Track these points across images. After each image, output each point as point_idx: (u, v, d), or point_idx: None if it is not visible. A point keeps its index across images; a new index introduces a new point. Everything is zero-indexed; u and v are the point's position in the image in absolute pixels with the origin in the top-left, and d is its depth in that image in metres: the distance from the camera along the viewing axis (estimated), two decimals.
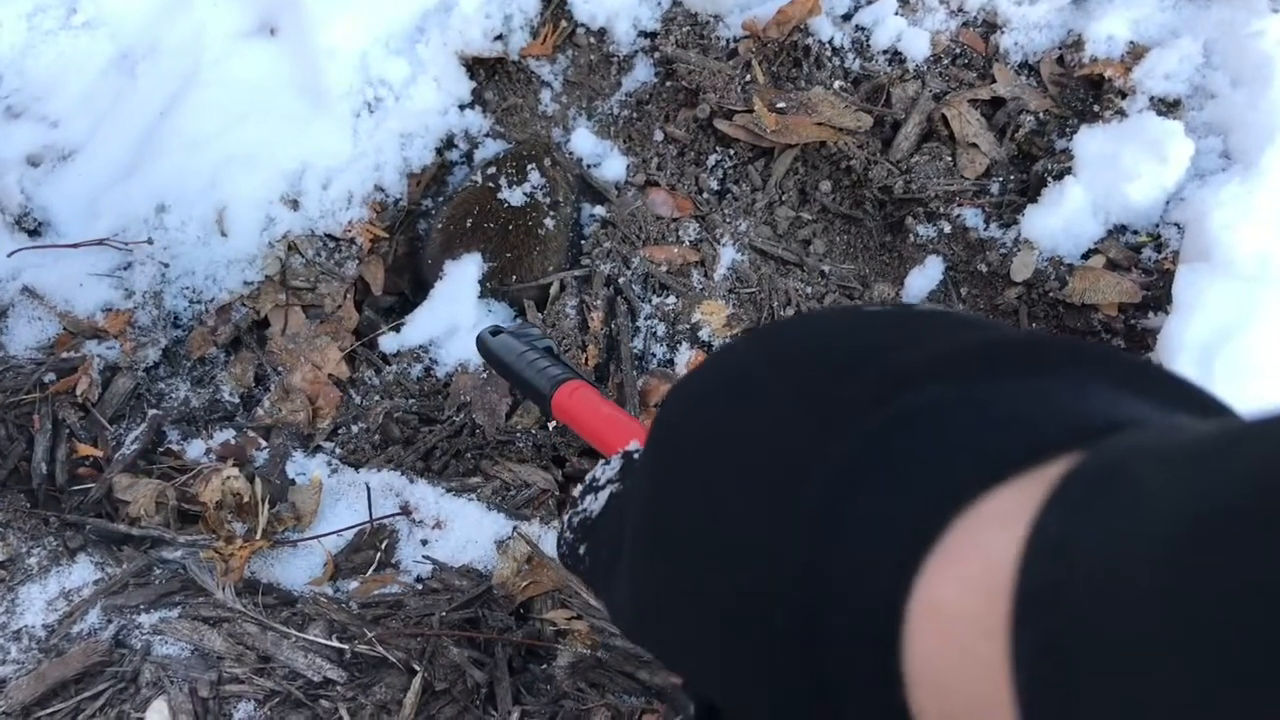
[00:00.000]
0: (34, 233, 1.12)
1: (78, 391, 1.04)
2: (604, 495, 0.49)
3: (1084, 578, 0.21)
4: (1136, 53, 1.13)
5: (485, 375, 1.09)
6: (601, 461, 0.55)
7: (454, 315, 1.13)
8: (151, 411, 1.06)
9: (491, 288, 1.14)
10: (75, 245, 1.09)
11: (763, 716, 0.35)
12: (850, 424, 0.29)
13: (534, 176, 1.15)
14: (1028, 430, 0.27)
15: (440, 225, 1.17)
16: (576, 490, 0.49)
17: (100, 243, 1.09)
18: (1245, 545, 0.19)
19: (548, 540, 0.97)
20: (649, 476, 0.38)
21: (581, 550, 0.52)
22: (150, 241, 1.10)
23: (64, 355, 1.06)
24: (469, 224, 1.15)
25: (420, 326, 1.14)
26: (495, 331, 1.02)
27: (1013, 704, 0.22)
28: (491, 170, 1.17)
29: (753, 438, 0.33)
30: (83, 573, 0.94)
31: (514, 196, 1.14)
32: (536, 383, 0.88)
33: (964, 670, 0.25)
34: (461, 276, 1.14)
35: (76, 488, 1.02)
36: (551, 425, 1.05)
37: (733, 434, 0.34)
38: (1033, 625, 0.22)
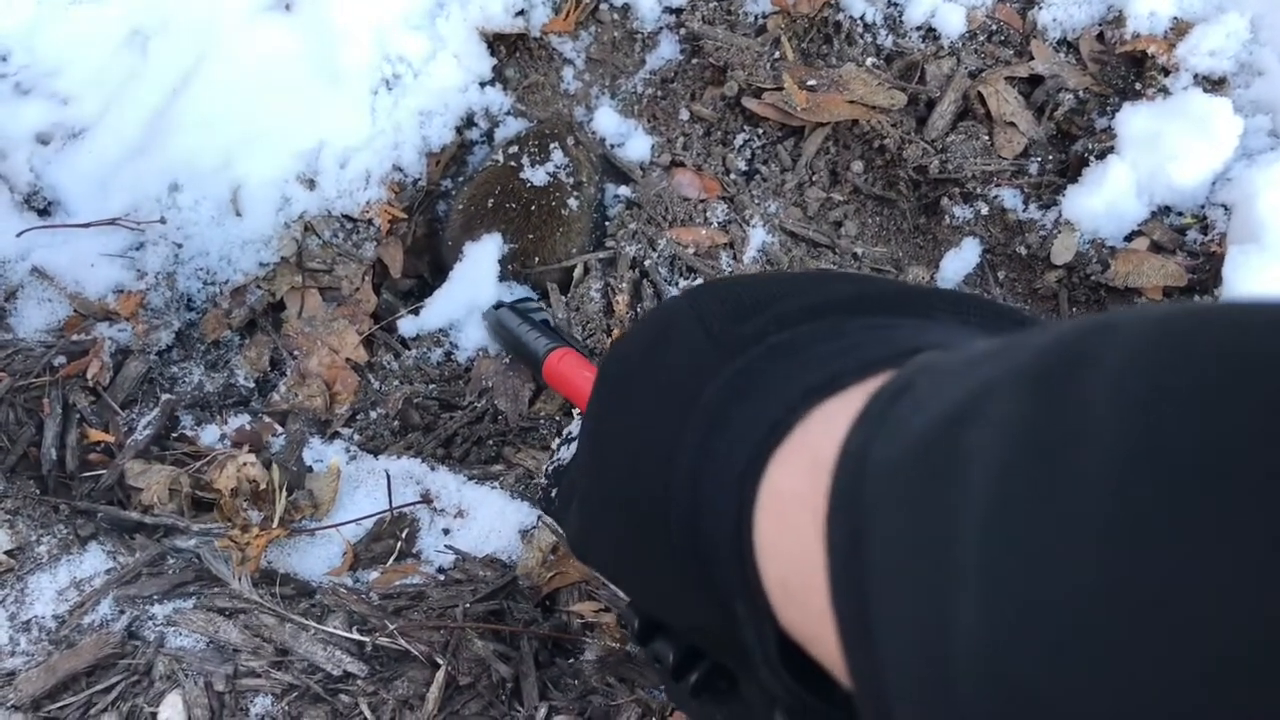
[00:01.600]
0: (44, 212, 1.09)
1: (88, 375, 1.01)
2: (574, 446, 0.56)
3: (869, 480, 0.27)
4: (1180, 29, 1.09)
5: (508, 360, 1.06)
6: (578, 415, 0.61)
7: (474, 298, 1.10)
8: (164, 396, 1.03)
9: (513, 270, 1.11)
10: (86, 225, 1.06)
11: (678, 613, 0.42)
12: (740, 354, 0.36)
13: (557, 156, 1.12)
14: (863, 354, 0.33)
15: (460, 206, 1.14)
16: (554, 443, 0.55)
17: (112, 222, 1.06)
18: (946, 456, 0.24)
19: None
20: (590, 413, 0.44)
21: (553, 494, 0.61)
22: (163, 221, 1.07)
23: (74, 338, 1.03)
24: (490, 204, 1.11)
25: (439, 310, 1.11)
26: (498, 306, 1.03)
27: (826, 572, 0.27)
28: (513, 149, 1.13)
29: (670, 367, 0.39)
30: (94, 561, 0.91)
31: (536, 176, 1.11)
32: (532, 350, 0.97)
33: (791, 540, 0.31)
34: (481, 258, 1.11)
35: (87, 474, 0.98)
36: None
37: (655, 365, 0.40)
38: (839, 521, 0.27)
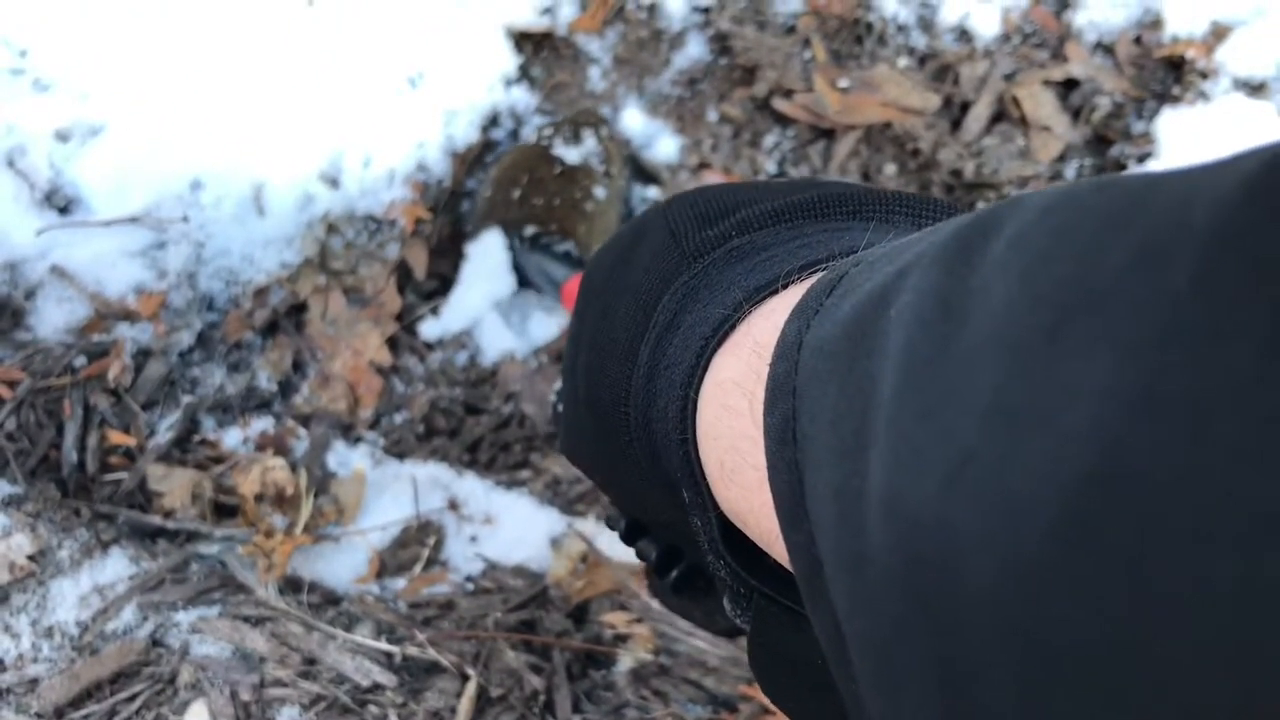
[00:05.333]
0: (64, 210, 1.07)
1: (110, 376, 0.99)
2: None
3: (802, 362, 0.28)
4: (1219, 32, 1.08)
5: (535, 365, 1.04)
6: None
7: (490, 292, 1.08)
8: (186, 398, 1.01)
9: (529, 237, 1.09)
10: (107, 223, 1.04)
11: (647, 509, 0.45)
12: (701, 257, 0.38)
13: (590, 142, 1.10)
14: (811, 253, 0.35)
15: (487, 194, 1.11)
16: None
17: (133, 220, 1.04)
18: (870, 329, 0.26)
19: (604, 538, 0.92)
20: (572, 318, 0.46)
21: (559, 408, 0.60)
22: (185, 219, 1.05)
23: (95, 338, 1.01)
24: (516, 194, 1.09)
25: (458, 310, 1.09)
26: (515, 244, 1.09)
27: (764, 452, 0.29)
28: (547, 130, 1.11)
29: (638, 271, 0.41)
30: (116, 567, 0.90)
31: (569, 155, 1.09)
32: (554, 278, 1.03)
33: (729, 423, 0.33)
34: (488, 254, 1.09)
35: (108, 477, 0.97)
36: None
37: (626, 269, 0.42)
38: (775, 402, 0.29)
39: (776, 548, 0.32)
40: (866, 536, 0.23)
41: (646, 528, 0.47)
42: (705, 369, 0.35)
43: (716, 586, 0.41)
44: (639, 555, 0.47)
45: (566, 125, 1.12)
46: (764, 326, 0.33)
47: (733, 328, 0.35)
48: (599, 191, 1.09)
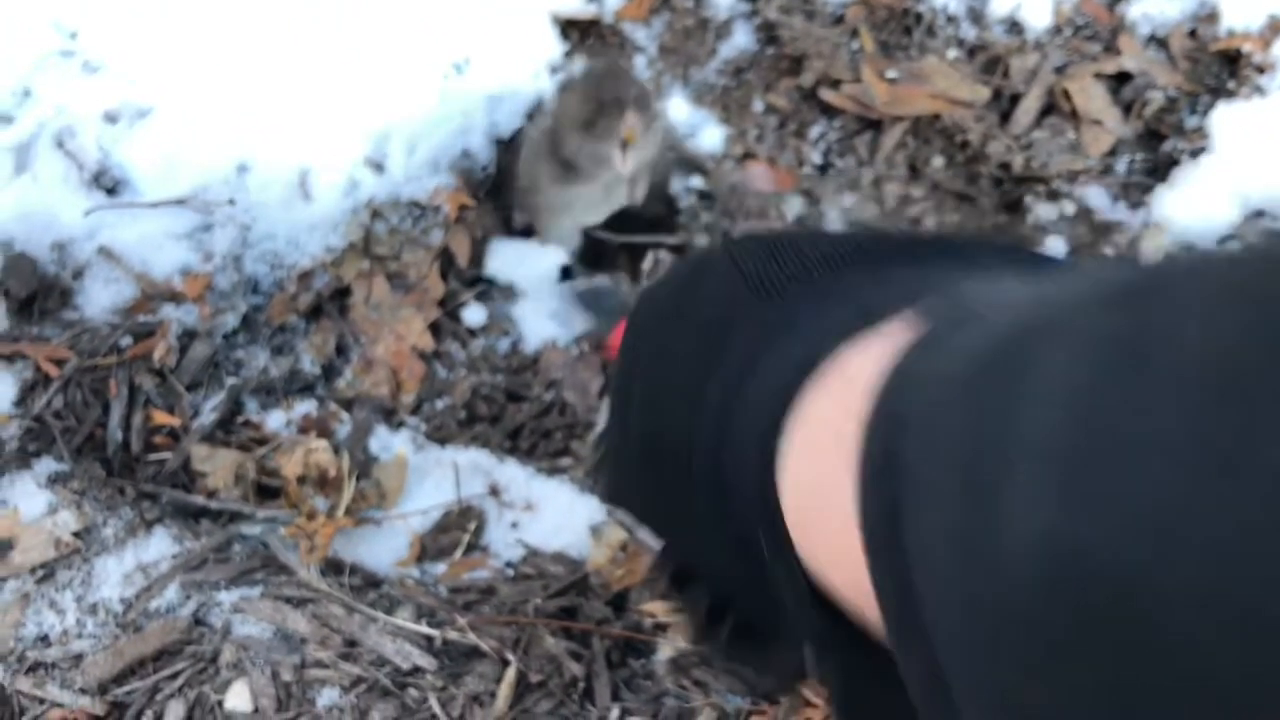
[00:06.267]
0: (111, 191, 1.08)
1: (155, 357, 1.00)
2: None
3: (908, 392, 0.27)
4: (1276, 26, 1.06)
5: (577, 353, 1.04)
6: None
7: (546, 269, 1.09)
8: (230, 380, 1.02)
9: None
10: (154, 205, 1.05)
11: (702, 554, 0.42)
12: (777, 295, 0.37)
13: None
14: (900, 290, 0.33)
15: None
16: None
17: (180, 203, 1.05)
18: (1007, 364, 0.24)
19: (644, 527, 0.92)
20: (621, 358, 0.45)
21: (598, 447, 0.61)
22: (232, 202, 1.05)
23: (141, 319, 1.02)
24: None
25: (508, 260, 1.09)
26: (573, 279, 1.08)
27: (854, 484, 0.28)
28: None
29: (702, 308, 0.40)
30: (160, 545, 0.90)
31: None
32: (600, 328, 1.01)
33: (814, 460, 0.31)
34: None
35: (152, 457, 0.97)
36: None
37: (687, 307, 0.41)
38: (874, 436, 0.28)
39: (850, 594, 0.31)
40: (1000, 578, 0.22)
41: (694, 576, 0.45)
42: (790, 408, 0.33)
43: (768, 639, 0.40)
44: (687, 604, 0.45)
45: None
46: (858, 362, 0.31)
47: (818, 363, 0.33)
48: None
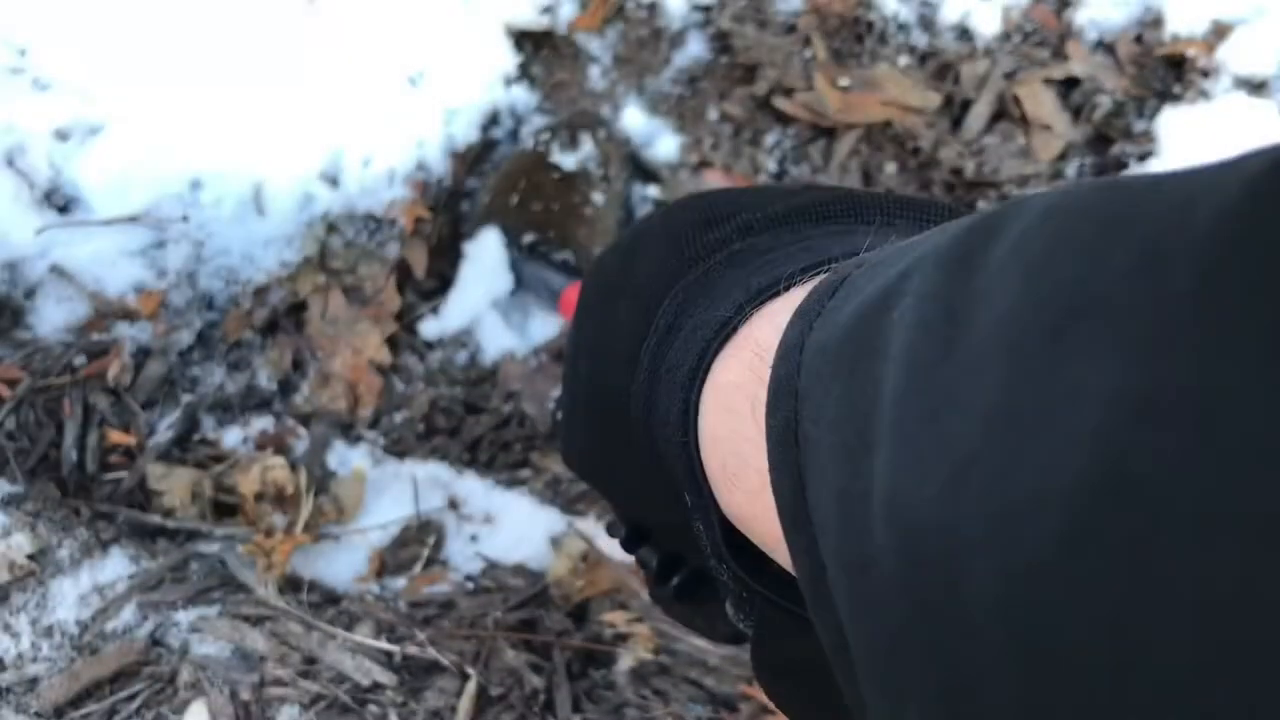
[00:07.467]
0: (63, 209, 1.07)
1: (109, 376, 0.99)
2: None
3: (804, 364, 0.28)
4: (1220, 31, 1.08)
5: (535, 364, 1.04)
6: None
7: (489, 290, 1.08)
8: (186, 397, 1.01)
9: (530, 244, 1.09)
10: (107, 222, 1.04)
11: (649, 513, 0.45)
12: (702, 261, 0.38)
13: (586, 146, 1.10)
14: (813, 256, 0.35)
15: (486, 200, 1.11)
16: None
17: (133, 219, 1.04)
18: (872, 332, 0.26)
19: (604, 537, 0.92)
20: (572, 326, 0.46)
21: (558, 415, 0.57)
22: (185, 219, 1.05)
23: (94, 337, 1.01)
24: (514, 200, 1.09)
25: (457, 309, 1.09)
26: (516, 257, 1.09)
27: (766, 455, 0.29)
28: (544, 135, 1.11)
29: (638, 276, 0.41)
30: (116, 566, 0.89)
31: (565, 162, 1.09)
32: (552, 288, 1.04)
33: (731, 426, 0.33)
34: (485, 254, 1.08)
35: (108, 476, 0.97)
36: None
37: (626, 275, 0.42)
38: (777, 405, 0.29)
39: (779, 551, 0.32)
40: (870, 540, 0.23)
41: (647, 535, 0.47)
42: (706, 372, 0.35)
43: (719, 592, 0.41)
44: (640, 563, 0.47)
45: (563, 129, 1.12)
46: (766, 329, 0.33)
47: (734, 330, 0.35)
48: (597, 197, 1.09)
